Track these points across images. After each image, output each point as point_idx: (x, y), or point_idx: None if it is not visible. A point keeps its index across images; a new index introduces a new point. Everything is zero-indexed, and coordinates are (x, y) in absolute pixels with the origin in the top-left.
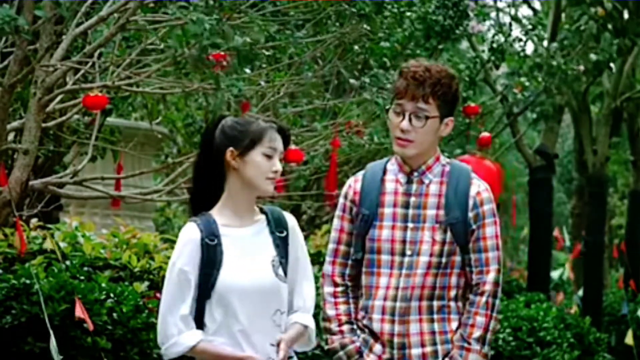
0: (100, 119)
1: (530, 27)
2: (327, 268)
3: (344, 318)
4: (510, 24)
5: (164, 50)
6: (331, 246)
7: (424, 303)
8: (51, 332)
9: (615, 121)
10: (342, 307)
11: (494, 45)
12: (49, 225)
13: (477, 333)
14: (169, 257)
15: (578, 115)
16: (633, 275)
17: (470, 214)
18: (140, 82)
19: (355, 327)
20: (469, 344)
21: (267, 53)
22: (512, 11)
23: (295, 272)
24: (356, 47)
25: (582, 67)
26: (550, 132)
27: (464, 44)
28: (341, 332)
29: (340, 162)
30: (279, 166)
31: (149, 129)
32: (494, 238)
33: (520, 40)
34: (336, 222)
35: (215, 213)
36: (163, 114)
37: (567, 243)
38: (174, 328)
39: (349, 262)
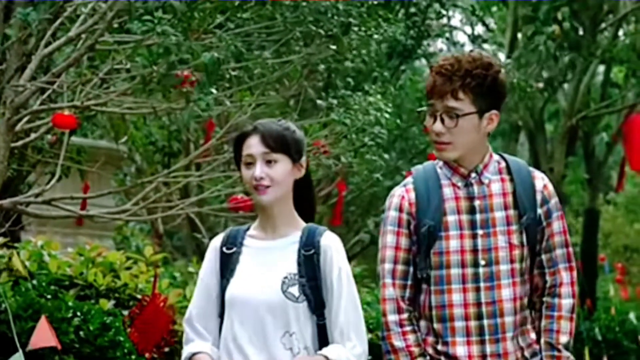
0: (66, 138)
1: (483, 42)
2: (389, 292)
3: (415, 350)
4: (472, 39)
5: (129, 69)
6: (388, 266)
7: (517, 317)
8: (20, 350)
9: (571, 139)
10: (411, 338)
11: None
12: (16, 245)
13: (564, 338)
14: (135, 276)
15: (534, 134)
16: (589, 293)
17: (540, 211)
18: (109, 101)
19: (428, 358)
20: (559, 351)
21: (233, 73)
22: (469, 30)
23: (331, 299)
24: (322, 67)
25: (540, 85)
26: (507, 150)
27: (419, 62)
28: None
29: None
30: (257, 171)
31: (109, 148)
32: (562, 234)
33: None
34: (390, 239)
35: (254, 223)
36: (128, 133)
37: None
38: (186, 336)
39: (408, 283)
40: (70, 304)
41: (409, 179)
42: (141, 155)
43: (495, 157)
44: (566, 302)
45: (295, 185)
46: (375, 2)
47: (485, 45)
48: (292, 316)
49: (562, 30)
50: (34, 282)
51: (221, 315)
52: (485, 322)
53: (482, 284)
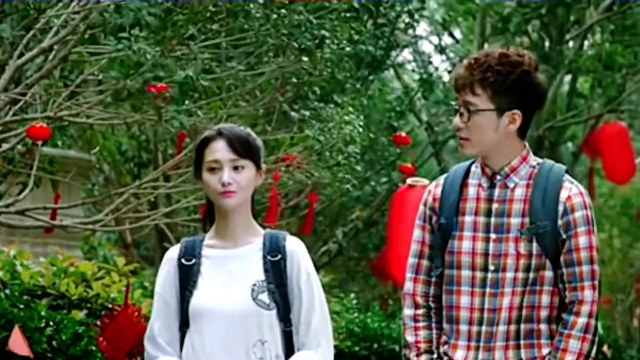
0: (38, 148)
1: (458, 58)
2: (408, 286)
3: (423, 346)
4: (440, 50)
5: (101, 81)
6: (411, 260)
7: (512, 327)
8: None
9: (537, 149)
10: (423, 333)
11: (424, 76)
12: None
13: (569, 358)
14: (107, 286)
15: None
16: None
17: (560, 222)
18: (82, 112)
19: (435, 356)
20: None
21: (205, 84)
22: (436, 40)
23: (300, 304)
24: (294, 80)
25: None
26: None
27: (387, 73)
28: None
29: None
30: (226, 177)
31: (78, 158)
32: (588, 250)
33: (450, 72)
34: (416, 233)
35: (209, 233)
36: (100, 144)
37: None
38: (147, 355)
39: (433, 279)
40: (42, 313)
41: (445, 175)
42: (109, 165)
43: (533, 161)
44: (581, 321)
45: None
46: (348, 15)
47: (453, 55)
48: (265, 324)
49: (531, 42)
50: (7, 291)
51: (181, 328)
52: (484, 328)
53: (487, 290)
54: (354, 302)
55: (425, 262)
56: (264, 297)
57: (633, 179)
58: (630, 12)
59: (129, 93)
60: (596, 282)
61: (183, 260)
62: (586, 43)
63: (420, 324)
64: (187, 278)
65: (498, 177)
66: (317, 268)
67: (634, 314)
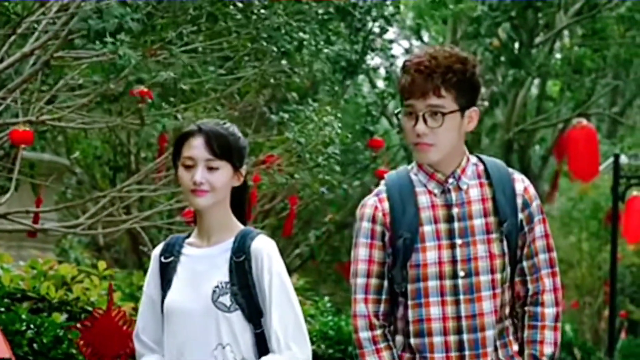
0: (20, 152)
1: None
2: (360, 308)
3: None
4: (409, 50)
5: (82, 85)
6: (360, 280)
7: (497, 329)
8: None
9: (507, 153)
10: (386, 355)
11: (391, 76)
12: None
13: (548, 350)
14: (86, 289)
15: (470, 148)
16: None
17: (522, 215)
18: (63, 117)
19: None
20: None
21: (185, 87)
22: (405, 44)
23: (264, 306)
24: (272, 81)
25: (486, 103)
26: None
27: (360, 77)
28: None
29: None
30: (198, 176)
31: (51, 161)
32: (544, 238)
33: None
34: (363, 252)
35: (194, 231)
36: (79, 148)
37: None
38: (137, 353)
39: (383, 297)
40: (23, 317)
41: (382, 187)
42: (82, 168)
43: (473, 159)
44: (549, 311)
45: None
46: (326, 17)
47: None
48: (224, 327)
49: (501, 43)
50: None
51: (163, 327)
52: (465, 336)
53: (461, 297)
54: (328, 305)
55: (374, 281)
56: (225, 299)
57: (601, 182)
58: (600, 15)
59: (110, 98)
60: (556, 270)
61: (162, 258)
62: (556, 47)
63: (381, 345)
64: (165, 276)
65: (450, 181)
66: (290, 271)
67: (602, 316)
